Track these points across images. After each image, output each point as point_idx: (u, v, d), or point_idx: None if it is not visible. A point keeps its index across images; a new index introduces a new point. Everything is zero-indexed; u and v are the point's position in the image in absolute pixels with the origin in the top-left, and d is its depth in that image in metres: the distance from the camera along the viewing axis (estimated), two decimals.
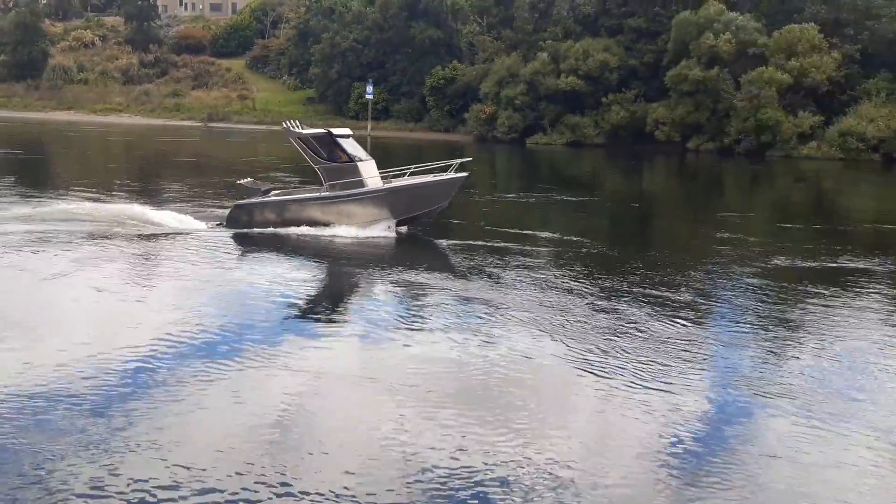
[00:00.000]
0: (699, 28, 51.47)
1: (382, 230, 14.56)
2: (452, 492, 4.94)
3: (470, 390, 6.53)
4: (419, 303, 10.23)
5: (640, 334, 8.56)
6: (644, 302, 10.39)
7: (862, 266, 14.05)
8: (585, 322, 8.92)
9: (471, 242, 15.35)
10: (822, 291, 11.36)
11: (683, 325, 9.14)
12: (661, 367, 7.28)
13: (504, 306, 9.73)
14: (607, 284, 11.65)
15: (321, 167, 14.52)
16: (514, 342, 8.13)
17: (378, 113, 59.30)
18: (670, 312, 9.86)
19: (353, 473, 5.09)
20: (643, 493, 4.95)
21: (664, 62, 51.79)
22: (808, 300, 10.94)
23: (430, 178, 15.10)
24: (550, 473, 5.18)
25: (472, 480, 5.07)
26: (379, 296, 10.96)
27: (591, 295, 10.67)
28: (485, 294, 10.46)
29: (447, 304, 9.98)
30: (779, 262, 14.18)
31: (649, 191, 31.83)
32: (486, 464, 5.28)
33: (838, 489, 5.05)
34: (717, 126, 50.95)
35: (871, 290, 11.48)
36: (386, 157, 42.45)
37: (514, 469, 5.22)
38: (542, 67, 53.40)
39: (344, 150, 14.67)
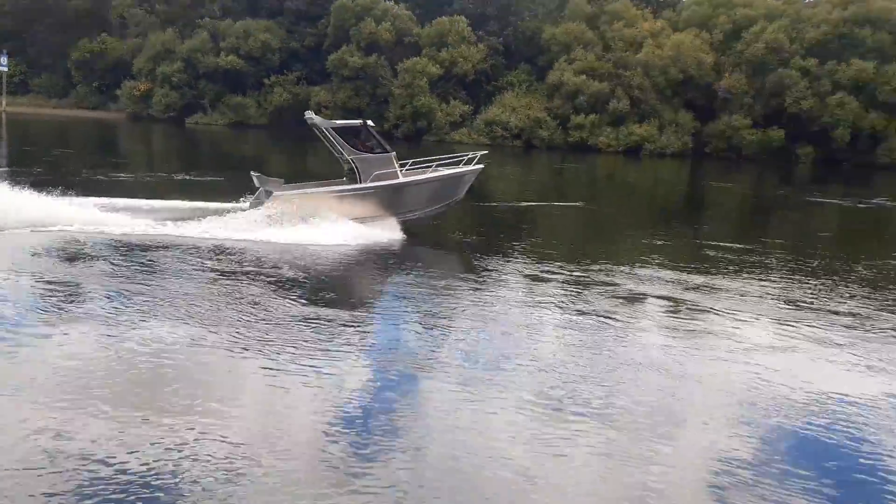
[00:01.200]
0: (356, 14, 63.84)
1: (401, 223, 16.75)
2: (118, 491, 5.38)
3: (125, 384, 7.19)
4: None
5: (285, 319, 9.73)
6: (285, 287, 11.53)
7: (508, 243, 16.86)
8: (219, 308, 9.95)
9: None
10: (472, 270, 13.85)
11: (327, 307, 10.52)
12: (319, 351, 8.55)
13: (149, 295, 10.48)
14: (233, 269, 12.57)
15: (356, 159, 16.11)
16: (152, 330, 8.87)
17: (15, 87, 62.80)
18: (325, 297, 11.31)
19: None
20: (311, 472, 5.87)
21: (325, 46, 62.75)
22: (458, 278, 13.04)
23: (452, 170, 17.27)
24: (220, 462, 5.85)
25: (136, 478, 5.57)
26: None
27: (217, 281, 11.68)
28: (112, 282, 11.08)
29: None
30: (418, 242, 16.33)
31: (312, 171, 38.15)
32: (149, 459, 5.86)
33: (493, 447, 6.42)
34: (377, 111, 62.91)
35: (512, 269, 13.86)
36: (25, 137, 47.47)
37: (180, 462, 5.83)
38: (202, 45, 60.31)
39: (379, 141, 16.67)
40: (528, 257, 15.43)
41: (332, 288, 12.37)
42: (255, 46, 60.85)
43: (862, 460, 6.84)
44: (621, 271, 14.23)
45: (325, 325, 9.77)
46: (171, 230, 15.04)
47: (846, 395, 8.31)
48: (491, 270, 13.84)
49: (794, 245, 19.40)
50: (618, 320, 10.69)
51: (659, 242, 18.37)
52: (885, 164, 55.85)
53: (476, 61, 61.21)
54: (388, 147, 16.67)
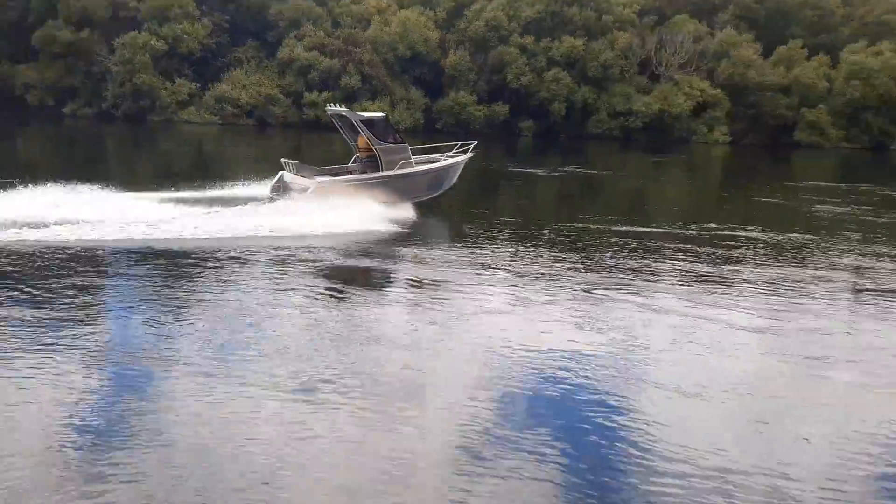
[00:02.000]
0: None
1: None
2: None
3: None
4: None
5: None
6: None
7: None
8: None
9: None
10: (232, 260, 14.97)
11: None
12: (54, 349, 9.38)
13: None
14: None
15: (380, 148, 20.60)
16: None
17: None
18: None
19: None
20: (48, 474, 6.50)
21: (29, 20, 63.97)
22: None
23: (451, 160, 21.96)
24: None
25: None
26: None
27: None
28: None
29: None
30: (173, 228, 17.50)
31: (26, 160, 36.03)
32: None
33: (241, 432, 7.30)
34: (93, 90, 65.01)
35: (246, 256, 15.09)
36: None
37: None
38: None
39: (396, 132, 21.60)
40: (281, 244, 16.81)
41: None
42: None
43: (585, 407, 8.31)
44: (341, 251, 16.16)
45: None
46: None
47: (562, 349, 10.13)
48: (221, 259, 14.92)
49: (493, 215, 22.91)
50: (353, 297, 12.21)
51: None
52: (596, 135, 70.21)
53: (202, 37, 67.72)
54: (402, 138, 21.56)
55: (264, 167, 27.12)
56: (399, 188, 21.10)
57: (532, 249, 17.50)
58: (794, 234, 20.54)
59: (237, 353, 9.50)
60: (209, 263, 14.74)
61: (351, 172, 21.81)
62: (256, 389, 8.41)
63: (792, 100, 69.49)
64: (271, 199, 20.16)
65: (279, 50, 67.52)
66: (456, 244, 17.80)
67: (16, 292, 12.37)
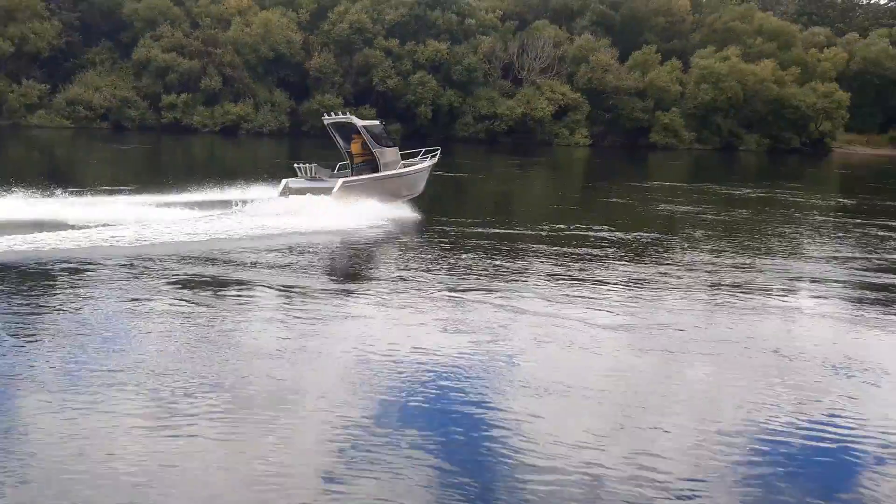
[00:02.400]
0: None
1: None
2: None
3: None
4: None
5: None
6: None
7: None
8: None
9: None
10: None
11: None
12: None
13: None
14: None
15: (379, 151, 23.83)
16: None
17: None
18: None
19: None
20: None
21: None
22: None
23: (428, 162, 25.83)
24: None
25: None
26: None
27: None
28: None
29: None
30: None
31: None
32: None
33: (107, 452, 7.40)
34: None
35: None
36: None
37: None
38: None
39: (390, 136, 25.05)
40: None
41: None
42: None
43: (453, 408, 8.79)
44: (206, 260, 16.40)
45: None
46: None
47: (428, 353, 10.59)
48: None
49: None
50: (223, 311, 12.36)
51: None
52: (463, 138, 76.08)
53: (51, 37, 69.14)
54: (392, 142, 24.97)
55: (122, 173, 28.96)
56: (404, 187, 24.61)
57: (396, 253, 18.57)
58: (642, 233, 22.78)
59: (91, 367, 9.57)
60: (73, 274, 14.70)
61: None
62: (113, 405, 8.47)
63: (647, 103, 77.63)
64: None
65: (134, 51, 69.51)
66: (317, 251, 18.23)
67: None
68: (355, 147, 24.52)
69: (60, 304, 12.56)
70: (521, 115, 72.69)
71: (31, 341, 10.68)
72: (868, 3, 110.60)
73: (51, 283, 14.11)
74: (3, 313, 11.91)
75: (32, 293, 13.19)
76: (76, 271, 14.98)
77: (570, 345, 11.32)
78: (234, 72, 68.89)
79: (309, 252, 17.90)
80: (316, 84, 71.61)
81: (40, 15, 67.41)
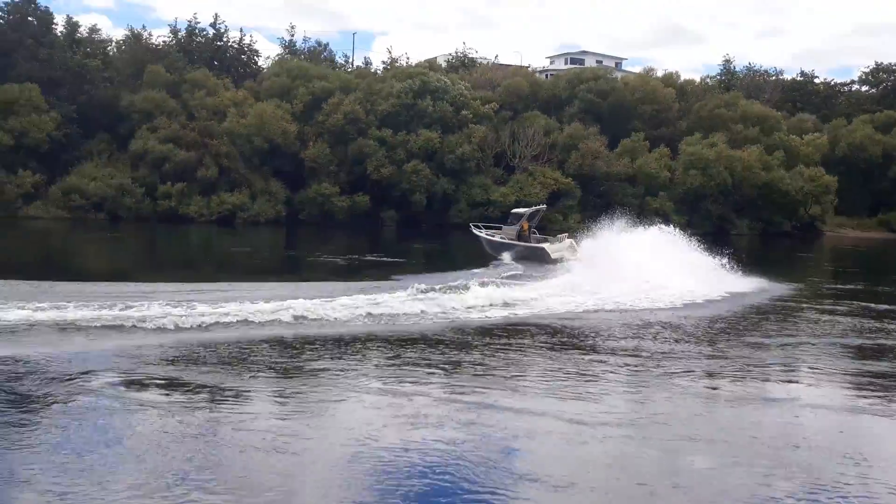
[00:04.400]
0: None
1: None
2: None
3: None
4: None
5: None
6: None
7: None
8: None
9: None
10: None
11: None
12: None
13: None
14: None
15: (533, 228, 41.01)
16: None
17: None
18: None
19: None
20: None
21: None
22: None
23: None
24: None
25: None
26: None
27: None
28: None
29: None
30: None
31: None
32: None
33: None
34: None
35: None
36: None
37: None
38: None
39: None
40: None
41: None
42: None
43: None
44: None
45: None
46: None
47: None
48: None
49: None
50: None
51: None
52: (458, 224, 77.12)
53: (49, 130, 70.29)
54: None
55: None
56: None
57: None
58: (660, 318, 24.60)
59: (88, 456, 9.69)
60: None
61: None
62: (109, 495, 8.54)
63: (637, 189, 79.16)
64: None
65: (131, 142, 70.95)
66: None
67: None
68: (525, 225, 40.74)
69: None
70: (514, 202, 73.75)
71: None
72: (850, 91, 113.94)
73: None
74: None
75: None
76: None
77: (570, 437, 11.33)
78: (230, 162, 70.02)
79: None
80: (311, 173, 72.88)
81: (40, 108, 68.68)
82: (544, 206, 46.41)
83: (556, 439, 11.25)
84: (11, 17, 73.23)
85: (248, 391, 13.37)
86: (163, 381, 13.74)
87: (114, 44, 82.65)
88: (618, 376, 15.40)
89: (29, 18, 73.44)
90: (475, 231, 43.11)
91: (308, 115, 75.29)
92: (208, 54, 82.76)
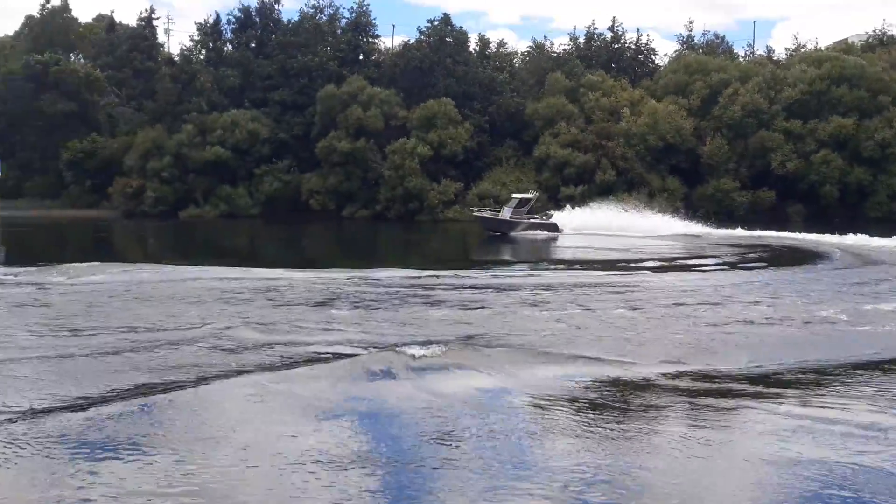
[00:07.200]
0: (343, 102, 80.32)
1: None
2: None
3: None
4: None
5: None
6: None
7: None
8: None
9: None
10: None
11: None
12: None
13: None
14: None
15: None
16: None
17: (7, 191, 77.03)
18: None
19: None
20: None
21: (313, 134, 77.07)
22: None
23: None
24: None
25: None
26: None
27: None
28: None
29: None
30: None
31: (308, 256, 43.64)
32: None
33: None
34: (368, 194, 75.51)
35: None
36: (19, 242, 61.09)
37: None
38: (189, 139, 74.21)
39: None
40: None
41: None
42: (241, 137, 76.11)
43: None
44: None
45: None
46: None
47: None
48: None
49: None
50: None
51: None
52: (877, 218, 70.76)
53: (464, 140, 77.57)
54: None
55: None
56: None
57: None
58: None
59: None
60: None
61: None
62: None
63: None
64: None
65: (535, 148, 75.39)
66: None
67: None
68: None
69: None
70: None
71: None
72: None
73: None
74: None
75: None
76: None
77: None
78: (627, 163, 71.33)
79: None
80: (709, 169, 71.63)
81: (455, 120, 75.41)
82: None
83: None
84: (432, 39, 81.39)
85: None
86: None
87: (518, 56, 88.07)
88: None
89: (447, 39, 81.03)
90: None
91: (705, 109, 74.35)
92: (605, 57, 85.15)
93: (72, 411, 10.48)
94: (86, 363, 13.13)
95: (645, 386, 12.40)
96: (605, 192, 72.16)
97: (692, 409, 11.29)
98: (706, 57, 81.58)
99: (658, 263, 33.96)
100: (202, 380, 12.11)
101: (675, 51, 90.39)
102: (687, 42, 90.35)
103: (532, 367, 13.31)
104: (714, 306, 20.90)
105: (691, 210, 71.99)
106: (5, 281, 24.43)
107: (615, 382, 12.48)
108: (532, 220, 53.94)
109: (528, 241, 49.20)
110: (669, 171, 73.84)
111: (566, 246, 47.45)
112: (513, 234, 52.39)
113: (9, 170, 78.19)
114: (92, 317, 17.96)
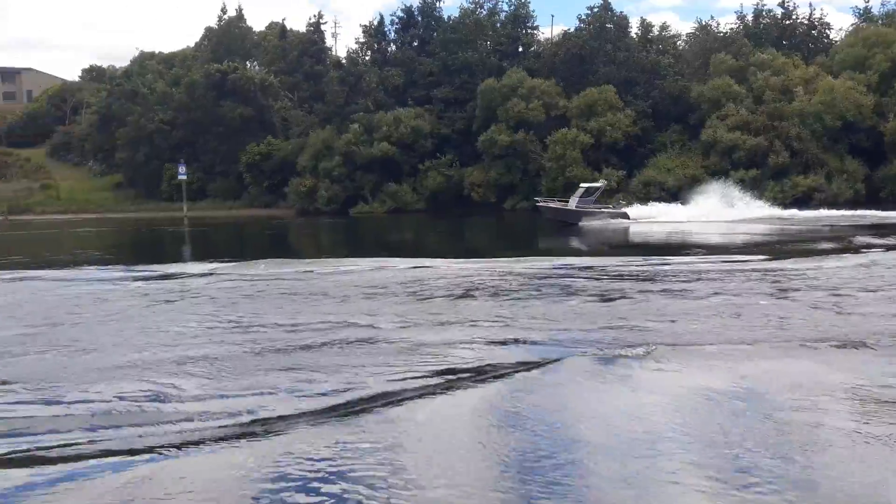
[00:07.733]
0: (503, 95, 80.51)
1: None
2: None
3: None
4: None
5: None
6: None
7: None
8: None
9: None
10: None
11: None
12: None
13: None
14: None
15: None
16: None
17: (193, 193, 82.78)
18: None
19: None
20: None
21: (474, 128, 78.53)
22: None
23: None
24: None
25: None
26: None
27: None
28: None
29: None
30: None
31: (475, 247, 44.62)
32: None
33: None
34: (529, 185, 76.48)
35: None
36: (204, 238, 66.26)
37: None
38: (355, 138, 77.19)
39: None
40: None
41: None
42: (406, 133, 78.63)
43: None
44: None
45: None
46: None
47: None
48: None
49: None
50: None
51: None
52: None
53: (625, 126, 76.51)
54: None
55: None
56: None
57: None
58: None
59: None
60: None
61: None
62: None
63: None
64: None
65: (702, 132, 73.27)
66: None
67: None
68: None
69: None
70: None
71: None
72: None
73: None
74: None
75: None
76: None
77: None
78: (802, 144, 68.28)
79: None
80: (892, 148, 67.38)
81: (616, 107, 74.56)
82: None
83: None
84: (591, 26, 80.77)
85: None
86: None
87: (683, 38, 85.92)
88: None
89: (607, 25, 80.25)
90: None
91: (887, 84, 69.73)
92: (776, 35, 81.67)
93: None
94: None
95: None
96: (779, 175, 69.49)
97: None
98: (886, 28, 76.80)
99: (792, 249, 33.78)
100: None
101: (852, 24, 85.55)
102: (864, 14, 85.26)
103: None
104: None
105: (872, 191, 68.26)
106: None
107: None
108: (603, 210, 54.06)
109: (597, 231, 48.93)
110: (848, 151, 69.95)
111: (657, 232, 47.27)
112: (581, 224, 51.75)
113: (193, 173, 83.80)
114: None
